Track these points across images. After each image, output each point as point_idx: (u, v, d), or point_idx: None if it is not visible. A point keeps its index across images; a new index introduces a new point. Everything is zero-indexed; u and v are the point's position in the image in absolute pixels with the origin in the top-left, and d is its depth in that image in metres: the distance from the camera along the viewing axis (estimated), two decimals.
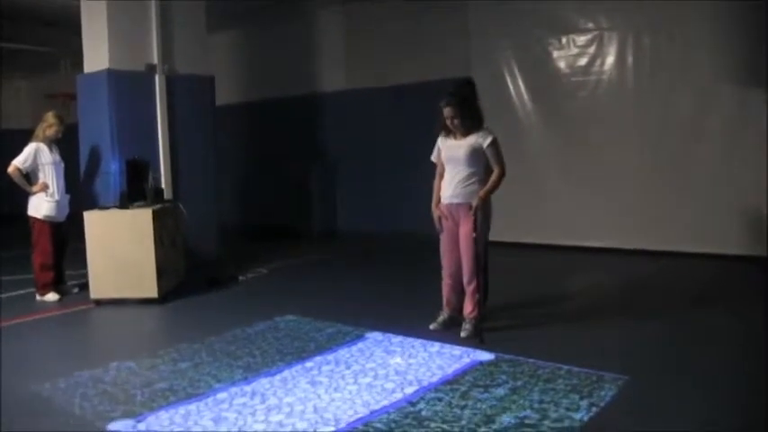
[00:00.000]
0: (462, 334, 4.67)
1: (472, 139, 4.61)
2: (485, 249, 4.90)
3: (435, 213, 4.81)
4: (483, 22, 8.55)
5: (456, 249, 4.71)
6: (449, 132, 4.72)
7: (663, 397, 3.52)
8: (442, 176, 4.79)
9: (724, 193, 7.02)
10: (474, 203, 4.55)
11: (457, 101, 4.57)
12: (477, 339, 4.49)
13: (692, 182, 7.22)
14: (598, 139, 7.78)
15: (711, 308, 5.35)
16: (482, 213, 4.62)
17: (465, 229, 4.62)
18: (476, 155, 4.60)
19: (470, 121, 4.61)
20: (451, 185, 4.68)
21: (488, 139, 4.59)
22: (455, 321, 4.81)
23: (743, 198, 6.93)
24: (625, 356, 4.18)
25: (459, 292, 4.80)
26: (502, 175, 4.63)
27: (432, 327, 4.85)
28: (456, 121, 4.59)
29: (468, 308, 4.73)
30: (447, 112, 4.60)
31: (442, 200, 4.76)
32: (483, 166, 4.65)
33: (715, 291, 5.99)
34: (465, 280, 4.71)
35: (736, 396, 3.54)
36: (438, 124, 4.73)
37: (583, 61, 7.88)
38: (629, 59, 7.58)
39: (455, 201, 4.67)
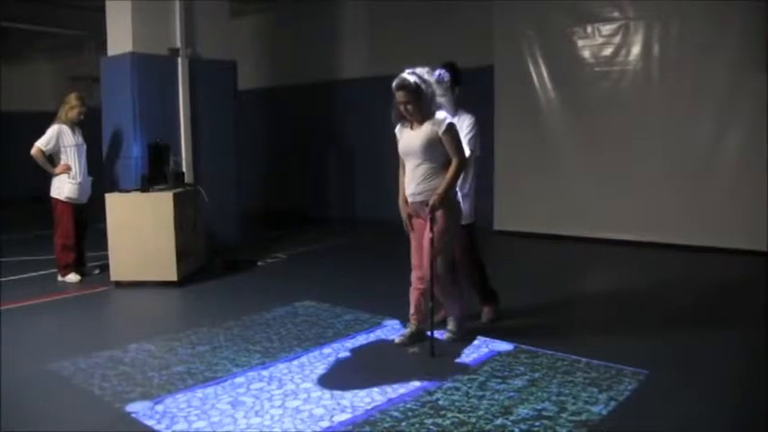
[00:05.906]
0: (445, 336, 4.31)
1: (428, 128, 4.01)
2: (471, 246, 4.57)
3: (404, 212, 4.24)
4: (507, 9, 8.45)
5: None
6: (405, 120, 4.14)
7: (683, 393, 3.47)
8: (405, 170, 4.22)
9: (754, 186, 6.84)
10: (431, 201, 3.98)
11: (411, 84, 3.96)
12: (431, 347, 4.04)
13: (720, 174, 7.08)
14: (623, 129, 7.65)
15: (739, 305, 5.27)
16: (448, 211, 4.06)
17: (429, 230, 4.05)
18: (433, 145, 3.99)
19: (428, 107, 4.01)
20: (413, 182, 4.09)
21: (443, 126, 3.96)
22: (422, 335, 4.22)
23: None
24: (646, 351, 4.12)
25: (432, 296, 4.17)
26: (460, 165, 4.01)
27: (397, 340, 4.29)
28: (410, 107, 4.00)
29: (447, 310, 4.37)
30: (399, 96, 4.01)
31: (408, 198, 4.19)
32: (445, 156, 4.04)
33: (744, 288, 5.86)
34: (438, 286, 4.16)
35: (759, 395, 3.48)
36: (394, 111, 4.15)
37: (608, 51, 7.75)
38: (656, 49, 7.44)
39: (418, 199, 4.08)
